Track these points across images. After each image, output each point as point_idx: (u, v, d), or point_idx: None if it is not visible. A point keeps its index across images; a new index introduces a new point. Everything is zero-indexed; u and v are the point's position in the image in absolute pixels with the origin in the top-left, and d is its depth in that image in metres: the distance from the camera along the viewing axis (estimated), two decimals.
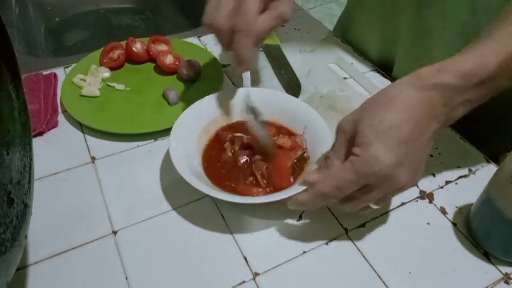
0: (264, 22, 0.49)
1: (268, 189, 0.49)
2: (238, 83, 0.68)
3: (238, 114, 0.57)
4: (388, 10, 0.69)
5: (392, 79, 0.71)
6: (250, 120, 0.53)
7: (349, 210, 0.44)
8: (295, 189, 0.46)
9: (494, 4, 0.54)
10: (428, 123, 0.41)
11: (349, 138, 0.43)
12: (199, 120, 0.54)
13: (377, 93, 0.43)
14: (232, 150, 0.53)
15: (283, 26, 0.52)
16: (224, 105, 0.56)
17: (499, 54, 0.41)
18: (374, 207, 0.44)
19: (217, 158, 0.53)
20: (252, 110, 0.54)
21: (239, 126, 0.56)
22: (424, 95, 0.40)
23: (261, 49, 0.75)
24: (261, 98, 0.57)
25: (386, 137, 0.39)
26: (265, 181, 0.50)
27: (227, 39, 0.49)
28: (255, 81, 0.63)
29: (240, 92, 0.57)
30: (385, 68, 0.73)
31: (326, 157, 0.45)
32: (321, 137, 0.51)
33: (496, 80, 0.41)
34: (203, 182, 0.47)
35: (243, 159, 0.52)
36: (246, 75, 0.56)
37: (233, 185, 0.50)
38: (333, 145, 0.45)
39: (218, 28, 0.48)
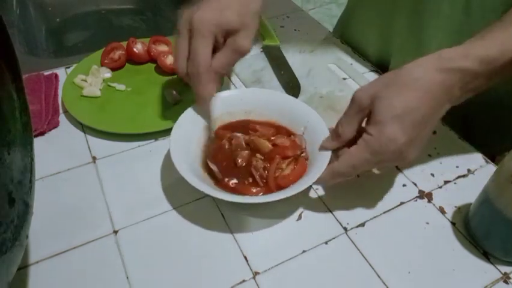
0: (219, 61, 0.51)
1: (266, 189, 0.49)
2: (237, 83, 0.68)
3: (236, 114, 0.57)
4: (386, 10, 0.69)
5: None
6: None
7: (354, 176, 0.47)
8: (294, 189, 0.46)
9: (488, 4, 0.55)
10: (443, 103, 0.43)
11: (363, 110, 0.44)
12: (199, 121, 0.54)
13: (399, 71, 0.43)
14: (231, 148, 0.53)
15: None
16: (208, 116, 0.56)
17: None
18: (377, 172, 0.49)
19: (217, 157, 0.53)
20: (206, 119, 0.55)
21: (238, 125, 0.56)
22: (446, 78, 0.41)
23: (261, 49, 0.76)
24: (261, 98, 0.57)
25: (403, 118, 0.41)
26: (264, 181, 0.50)
27: (192, 84, 0.52)
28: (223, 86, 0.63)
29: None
30: (383, 68, 0.73)
31: (337, 124, 0.47)
32: (320, 138, 0.51)
33: (510, 68, 0.42)
34: (203, 181, 0.48)
35: (242, 159, 0.52)
36: (207, 112, 0.56)
37: (232, 185, 0.50)
38: (345, 112, 0.46)
39: (180, 75, 0.52)
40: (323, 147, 0.49)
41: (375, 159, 0.43)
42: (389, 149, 0.42)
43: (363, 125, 0.46)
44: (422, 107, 0.41)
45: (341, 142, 0.47)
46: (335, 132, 0.48)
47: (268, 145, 0.53)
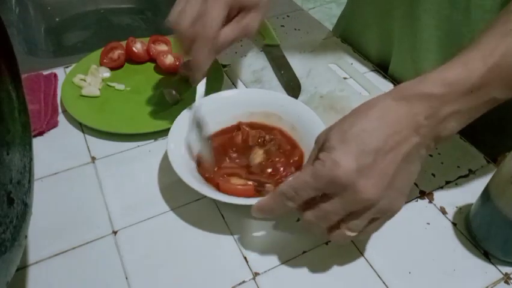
0: (226, 34, 0.49)
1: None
2: (237, 83, 0.68)
3: (228, 119, 0.57)
4: (384, 10, 0.69)
5: (389, 78, 0.71)
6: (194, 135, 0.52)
7: (311, 223, 0.39)
8: None
9: (487, 4, 0.54)
10: (406, 135, 0.37)
11: (320, 148, 0.40)
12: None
13: (358, 105, 0.40)
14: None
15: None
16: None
17: (486, 60, 0.37)
18: (348, 233, 0.39)
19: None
20: (198, 124, 0.53)
21: (232, 131, 0.56)
22: (403, 106, 0.38)
23: (261, 49, 0.75)
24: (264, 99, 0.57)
25: (352, 143, 0.37)
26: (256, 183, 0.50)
27: (187, 45, 0.49)
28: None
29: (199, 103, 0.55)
30: (383, 68, 0.73)
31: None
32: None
33: (487, 89, 0.38)
34: (202, 183, 0.47)
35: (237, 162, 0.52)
36: (200, 87, 0.54)
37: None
38: (309, 157, 0.42)
39: (180, 32, 0.48)
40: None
41: (318, 184, 0.37)
42: (331, 174, 0.36)
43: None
44: (374, 131, 0.37)
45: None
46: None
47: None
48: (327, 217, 0.39)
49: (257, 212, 0.42)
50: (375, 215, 0.38)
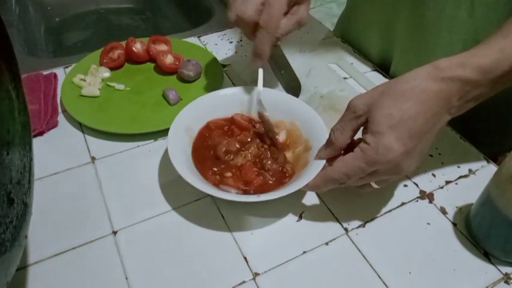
0: (286, 25, 0.52)
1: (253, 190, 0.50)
2: (237, 83, 0.68)
3: (232, 111, 0.58)
4: (387, 10, 0.69)
5: (390, 78, 0.71)
6: (264, 114, 0.56)
7: (352, 185, 0.46)
8: (292, 188, 0.46)
9: (491, 3, 0.55)
10: (442, 114, 0.42)
11: (358, 117, 0.44)
12: (196, 119, 0.55)
13: (396, 80, 0.43)
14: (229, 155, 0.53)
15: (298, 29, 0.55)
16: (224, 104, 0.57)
17: None
18: (375, 186, 0.46)
19: (214, 156, 0.53)
20: (262, 106, 0.56)
21: (231, 125, 0.57)
22: (443, 88, 0.41)
23: None
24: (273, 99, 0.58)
25: (400, 128, 0.40)
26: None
27: (251, 32, 0.52)
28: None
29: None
30: (384, 68, 0.73)
31: (331, 131, 0.46)
32: (321, 138, 0.51)
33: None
34: (201, 180, 0.47)
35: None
36: (261, 71, 0.57)
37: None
38: (341, 119, 0.45)
39: (245, 20, 0.50)
40: (317, 157, 0.48)
41: (370, 169, 0.42)
42: (385, 159, 0.41)
43: (360, 134, 0.45)
44: (419, 117, 0.41)
45: (334, 149, 0.46)
46: (328, 140, 0.47)
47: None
48: (368, 183, 0.45)
49: (308, 188, 0.47)
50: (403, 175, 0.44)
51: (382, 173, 0.43)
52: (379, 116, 0.41)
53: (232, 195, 0.46)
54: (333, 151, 0.46)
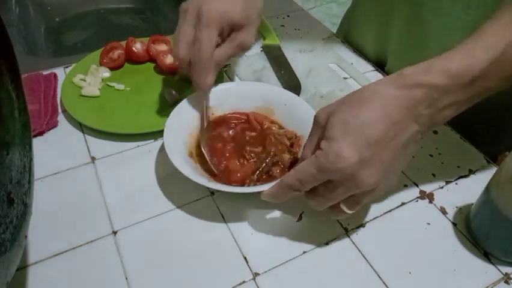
0: (222, 53, 0.53)
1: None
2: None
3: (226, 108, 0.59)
4: (384, 9, 0.69)
5: None
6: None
7: (315, 206, 0.43)
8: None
9: (488, 1, 0.54)
10: (406, 124, 0.39)
11: (320, 128, 0.42)
12: (192, 115, 0.55)
13: (359, 89, 0.41)
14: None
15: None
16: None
17: (489, 52, 0.38)
18: (347, 211, 0.42)
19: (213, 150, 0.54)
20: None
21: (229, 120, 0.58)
22: (405, 94, 0.38)
23: (261, 49, 0.75)
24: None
25: (354, 135, 0.38)
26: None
27: (187, 69, 0.54)
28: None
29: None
30: (380, 66, 0.73)
31: (303, 147, 0.45)
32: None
33: (486, 80, 0.39)
34: (199, 174, 0.48)
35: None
36: (204, 102, 0.57)
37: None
38: (309, 136, 0.44)
39: (178, 59, 0.53)
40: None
41: (321, 175, 0.39)
42: (335, 167, 0.38)
43: None
44: (376, 124, 0.38)
45: None
46: (301, 156, 0.45)
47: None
48: (329, 201, 0.42)
49: (265, 197, 0.45)
50: (371, 195, 0.41)
51: (339, 185, 0.40)
52: (334, 122, 0.39)
53: (229, 187, 0.47)
54: None
